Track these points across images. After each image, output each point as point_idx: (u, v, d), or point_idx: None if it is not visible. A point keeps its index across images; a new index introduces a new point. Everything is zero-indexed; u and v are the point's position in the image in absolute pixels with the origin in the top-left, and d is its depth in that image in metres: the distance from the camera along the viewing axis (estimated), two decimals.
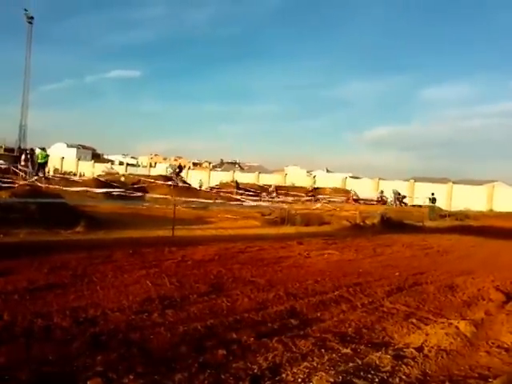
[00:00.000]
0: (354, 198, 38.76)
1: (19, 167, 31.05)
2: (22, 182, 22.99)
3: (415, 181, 47.44)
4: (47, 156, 28.12)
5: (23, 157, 34.25)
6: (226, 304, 6.40)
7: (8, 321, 5.05)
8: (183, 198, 24.86)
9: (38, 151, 28.79)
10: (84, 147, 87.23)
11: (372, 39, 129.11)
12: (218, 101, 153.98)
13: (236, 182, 41.94)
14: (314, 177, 55.02)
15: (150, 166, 68.84)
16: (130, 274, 7.83)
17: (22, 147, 56.55)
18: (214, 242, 12.01)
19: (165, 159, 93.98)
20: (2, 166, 31.37)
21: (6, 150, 62.13)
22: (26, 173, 29.43)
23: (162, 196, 25.41)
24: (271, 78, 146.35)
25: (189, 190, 31.45)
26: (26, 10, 58.79)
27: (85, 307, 5.78)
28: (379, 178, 48.56)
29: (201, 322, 5.44)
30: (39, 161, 27.41)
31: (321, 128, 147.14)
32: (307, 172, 69.05)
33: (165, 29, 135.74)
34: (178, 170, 36.18)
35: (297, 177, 55.78)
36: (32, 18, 58.60)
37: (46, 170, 29.66)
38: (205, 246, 11.24)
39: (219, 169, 73.67)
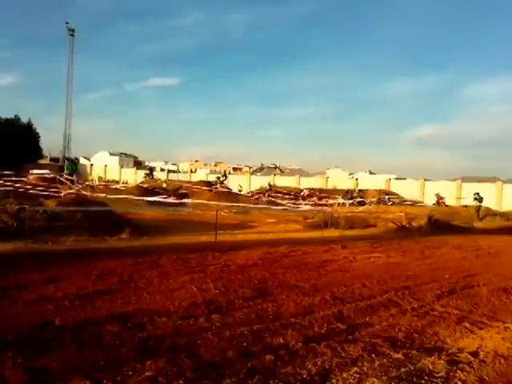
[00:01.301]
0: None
1: (65, 176, 32.24)
2: (68, 191, 23.73)
3: (463, 181, 45.85)
4: (72, 167, 29.36)
5: None
6: (271, 309, 6.34)
7: (60, 326, 5.15)
8: (224, 203, 25.05)
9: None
10: (126, 155, 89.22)
11: (410, 37, 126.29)
12: (256, 105, 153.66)
13: (269, 185, 41.83)
14: (357, 179, 54.07)
15: (191, 171, 69.63)
16: (175, 279, 7.89)
17: (67, 156, 58.78)
18: (257, 247, 11.99)
19: (205, 165, 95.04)
20: (48, 176, 32.55)
21: (51, 159, 64.52)
22: (72, 182, 30.57)
23: (203, 201, 25.66)
24: (309, 80, 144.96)
25: (230, 195, 31.61)
26: (67, 22, 61.06)
27: (132, 313, 5.84)
28: (424, 179, 47.23)
29: (247, 327, 5.41)
30: (68, 171, 28.64)
31: (362, 128, 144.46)
32: (349, 174, 67.95)
33: (202, 35, 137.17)
34: (148, 172, 43.59)
35: (339, 179, 54.92)
36: (73, 30, 60.74)
37: (80, 179, 31.18)
38: (248, 251, 11.23)
39: (259, 173, 73.68)
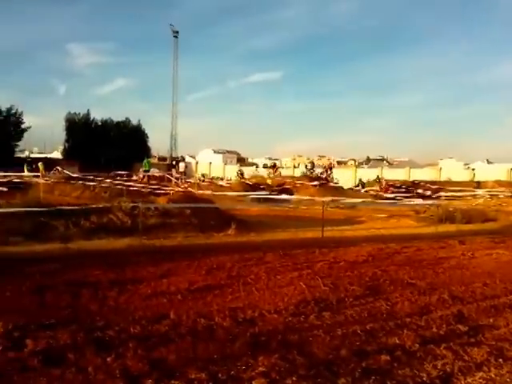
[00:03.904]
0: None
1: (173, 174, 34.04)
2: (176, 189, 24.92)
3: None
4: (148, 164, 30.94)
5: (181, 164, 37.77)
6: (384, 307, 6.13)
7: (174, 320, 5.39)
8: (329, 198, 24.67)
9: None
10: (229, 152, 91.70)
11: None
12: (360, 95, 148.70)
13: (377, 178, 40.15)
14: (473, 170, 50.32)
15: (294, 166, 69.66)
16: (282, 275, 7.91)
17: (174, 155, 62.11)
18: (366, 243, 11.65)
19: (308, 159, 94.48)
20: (157, 174, 34.51)
21: (159, 159, 68.55)
22: (179, 179, 32.25)
23: (307, 197, 25.52)
24: (417, 67, 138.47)
25: (335, 190, 31.08)
26: (171, 25, 64.50)
27: (243, 308, 5.96)
28: None
29: (360, 326, 5.27)
30: (145, 168, 30.16)
31: (477, 115, 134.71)
32: (464, 165, 63.52)
33: (304, 27, 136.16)
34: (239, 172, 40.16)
35: (453, 171, 51.51)
36: (177, 32, 64.07)
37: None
38: (357, 247, 10.96)
39: (365, 166, 71.74)
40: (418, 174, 47.20)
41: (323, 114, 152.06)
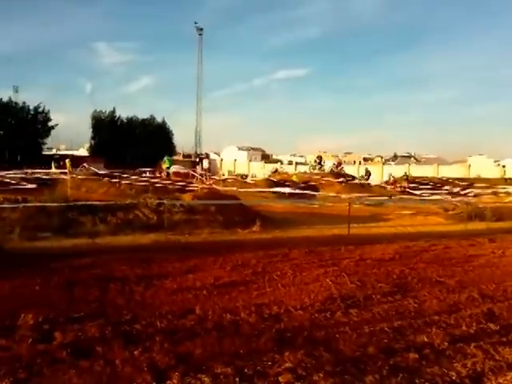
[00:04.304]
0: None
1: (197, 171, 34.25)
2: (201, 186, 25.07)
3: None
4: (169, 161, 31.12)
5: (205, 161, 38.16)
6: (412, 305, 6.03)
7: (200, 315, 5.41)
8: (356, 195, 24.47)
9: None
10: (254, 149, 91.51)
11: None
12: (388, 91, 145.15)
13: (405, 175, 39.44)
14: (504, 166, 48.90)
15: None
16: (308, 272, 7.86)
17: (198, 152, 62.37)
18: (394, 240, 11.49)
19: (334, 156, 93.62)
20: (182, 171, 34.72)
21: (184, 155, 68.89)
22: (204, 176, 32.47)
23: (333, 194, 25.37)
24: (446, 62, 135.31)
25: (361, 187, 30.81)
26: (195, 22, 64.91)
27: (268, 304, 5.94)
28: None
29: (387, 323, 5.20)
30: (166, 165, 30.35)
31: (507, 111, 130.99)
32: (494, 161, 61.83)
33: (330, 23, 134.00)
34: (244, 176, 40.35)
35: (483, 167, 50.21)
36: (201, 29, 64.48)
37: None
38: (383, 245, 10.82)
39: (392, 163, 70.72)
40: (446, 171, 46.41)
41: (349, 110, 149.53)
